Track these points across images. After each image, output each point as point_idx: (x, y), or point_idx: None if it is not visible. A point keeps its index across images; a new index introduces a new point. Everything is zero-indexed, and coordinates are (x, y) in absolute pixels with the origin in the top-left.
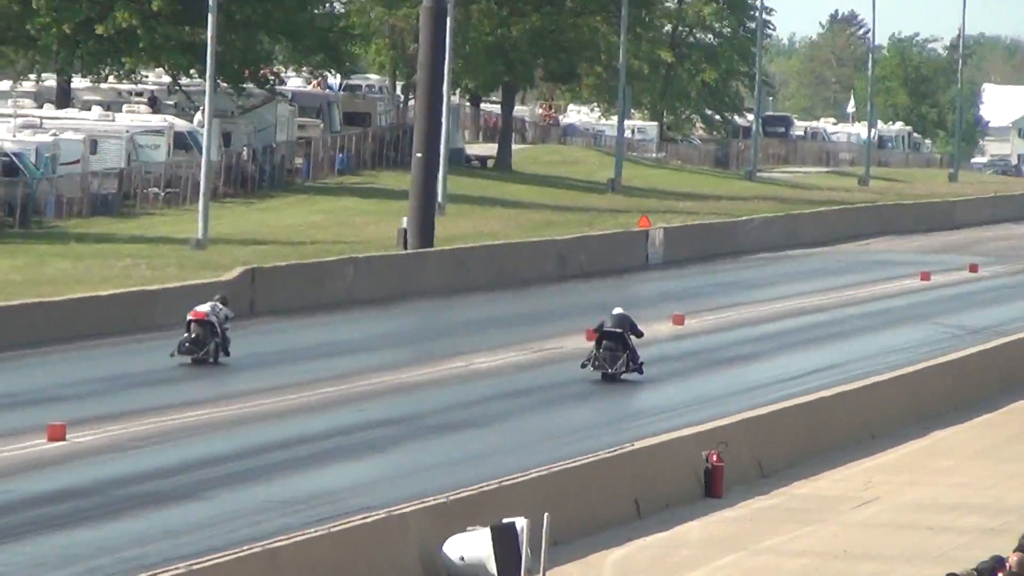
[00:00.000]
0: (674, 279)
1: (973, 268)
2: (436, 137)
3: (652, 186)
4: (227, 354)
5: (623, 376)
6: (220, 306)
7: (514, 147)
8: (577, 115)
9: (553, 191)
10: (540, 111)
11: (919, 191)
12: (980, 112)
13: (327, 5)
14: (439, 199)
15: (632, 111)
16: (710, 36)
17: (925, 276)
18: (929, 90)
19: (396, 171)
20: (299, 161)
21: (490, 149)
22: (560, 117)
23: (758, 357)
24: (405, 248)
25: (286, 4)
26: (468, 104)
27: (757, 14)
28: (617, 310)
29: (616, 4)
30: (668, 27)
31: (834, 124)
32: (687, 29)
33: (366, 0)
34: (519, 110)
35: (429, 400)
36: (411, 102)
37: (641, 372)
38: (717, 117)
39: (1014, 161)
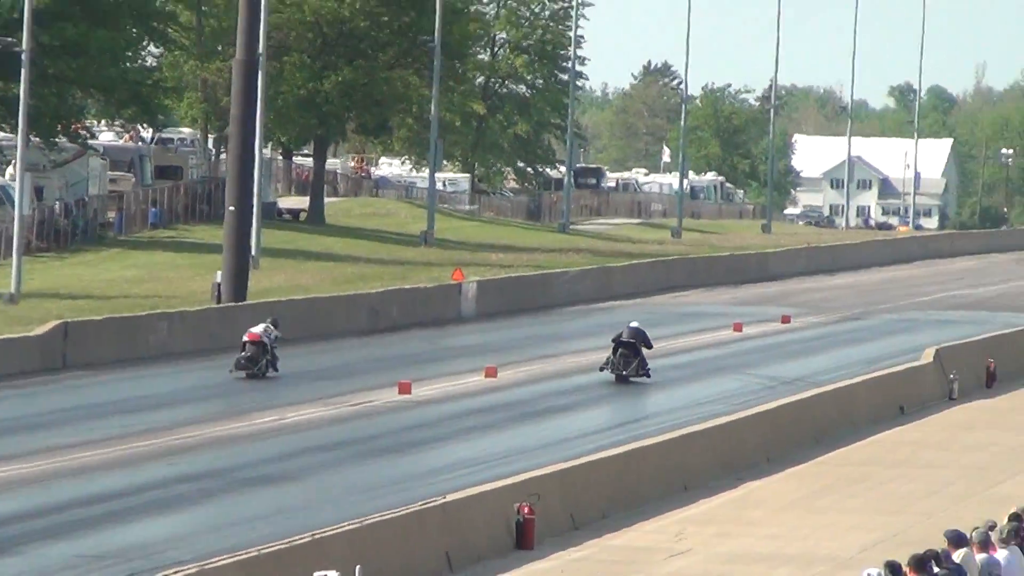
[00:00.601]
0: (487, 332)
1: (785, 319)
2: (248, 191)
3: (465, 239)
4: (276, 370)
5: (632, 379)
6: (271, 328)
7: (327, 200)
8: (389, 167)
9: (366, 244)
10: (352, 164)
11: (732, 242)
12: (792, 163)
13: (140, 59)
14: (252, 253)
15: (444, 163)
16: (522, 88)
17: (738, 327)
18: (741, 141)
19: (209, 225)
20: (112, 215)
21: (303, 202)
22: (372, 170)
23: (571, 409)
24: (219, 302)
25: (99, 59)
26: (280, 157)
27: (569, 65)
28: (633, 324)
29: (428, 57)
30: (480, 79)
31: (646, 175)
32: (499, 81)
33: (178, 53)
34: (332, 163)
35: (243, 454)
36: (223, 155)
37: (649, 376)
38: (529, 169)
39: (826, 212)
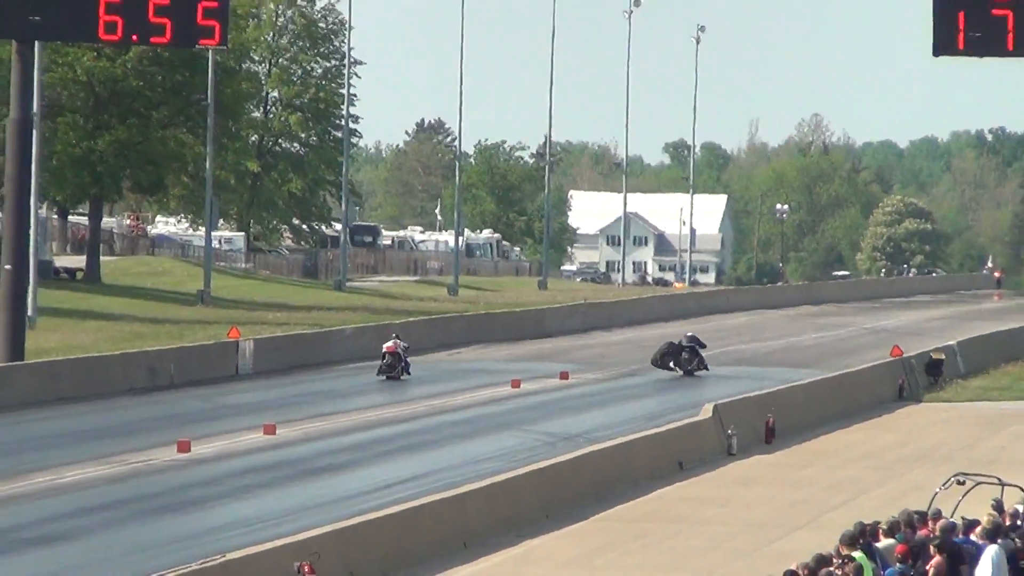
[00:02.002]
0: (265, 389)
1: (564, 375)
2: (24, 250)
3: (242, 297)
4: (409, 374)
5: (696, 373)
6: (400, 341)
7: (103, 259)
8: (166, 226)
9: (143, 303)
10: (128, 222)
11: (509, 299)
12: (569, 219)
13: None
14: (29, 312)
15: (220, 222)
16: (296, 146)
17: (516, 384)
18: (517, 198)
19: None
20: None
21: (79, 261)
22: (149, 228)
23: (350, 466)
24: None
25: None
26: (56, 216)
27: (343, 123)
28: (689, 332)
29: (202, 116)
30: (254, 137)
31: (422, 233)
32: (273, 139)
33: None
34: (107, 221)
35: (21, 514)
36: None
37: (707, 369)
38: (305, 227)
39: (603, 268)
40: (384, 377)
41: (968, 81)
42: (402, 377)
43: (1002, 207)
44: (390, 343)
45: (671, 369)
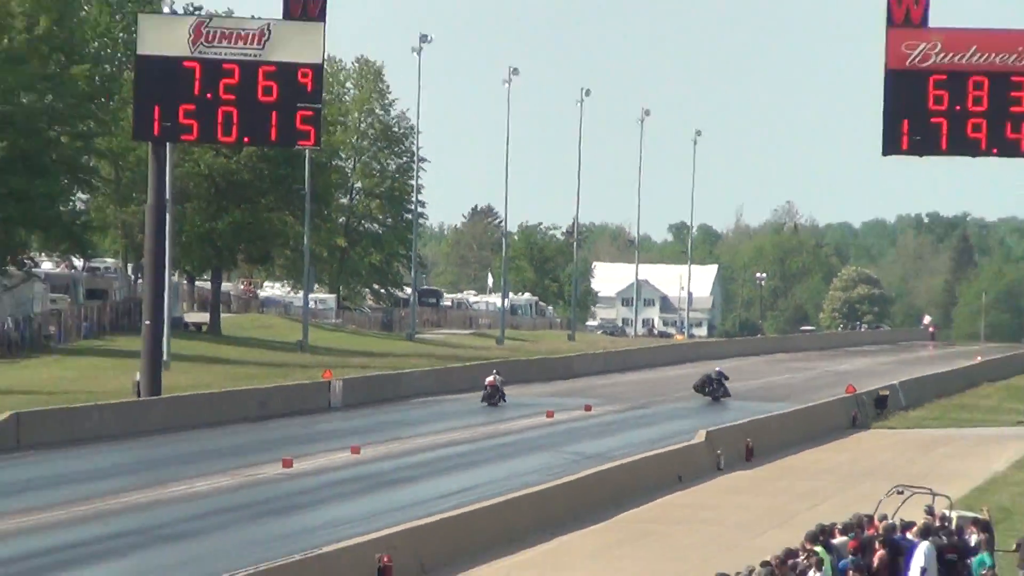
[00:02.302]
0: (351, 418)
1: (588, 408)
2: (160, 308)
3: (332, 345)
4: (504, 401)
5: (721, 399)
6: (498, 376)
7: (223, 315)
8: (271, 289)
9: (254, 350)
10: (242, 286)
11: (544, 348)
12: (592, 285)
13: (71, 203)
14: (164, 357)
15: (315, 286)
16: (375, 226)
17: (550, 414)
18: (551, 267)
19: (129, 336)
20: (52, 328)
21: (204, 317)
22: (258, 291)
23: (420, 478)
24: (139, 396)
25: (39, 204)
26: (185, 281)
27: (413, 208)
28: (718, 368)
29: (301, 202)
30: (342, 219)
31: (475, 295)
32: (357, 220)
33: (102, 199)
34: (226, 286)
35: (160, 516)
36: (140, 280)
37: (729, 396)
38: (383, 290)
39: (619, 324)
40: (486, 404)
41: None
42: (499, 404)
43: (935, 276)
44: (491, 378)
45: (706, 395)
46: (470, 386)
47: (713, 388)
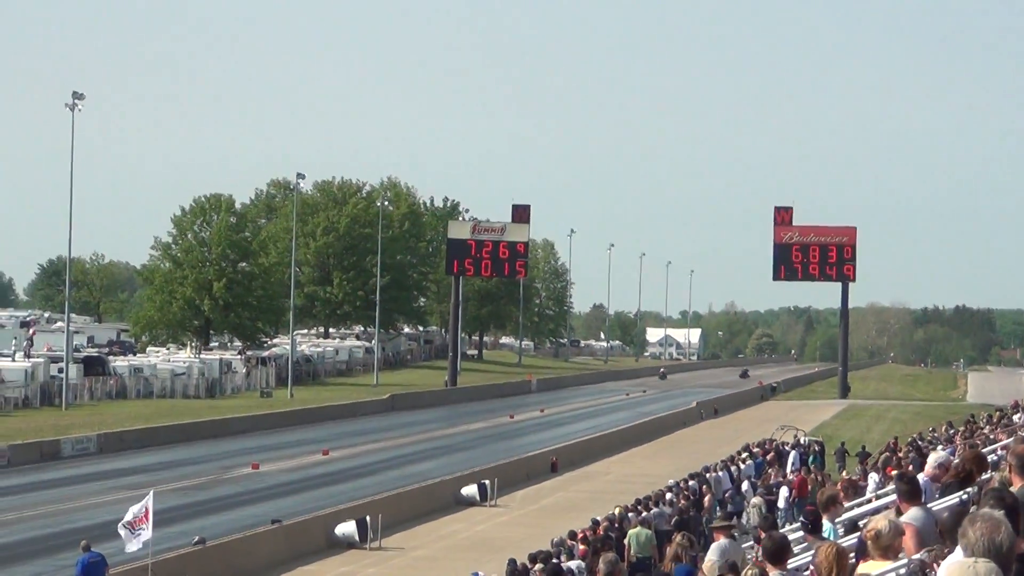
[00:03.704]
0: (542, 396)
1: (644, 391)
2: (456, 346)
3: (533, 364)
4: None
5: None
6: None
7: (485, 351)
8: (505, 339)
9: (505, 368)
10: (491, 339)
11: (625, 366)
12: (646, 337)
13: (417, 302)
14: (458, 368)
15: (525, 339)
16: (551, 311)
17: (628, 394)
18: (628, 329)
19: (442, 359)
20: (409, 356)
21: (475, 351)
22: (499, 340)
23: (576, 421)
24: (447, 386)
25: (403, 303)
26: (466, 336)
27: (568, 304)
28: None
29: (518, 302)
30: (536, 308)
31: (595, 342)
32: (543, 309)
33: (431, 300)
34: (485, 338)
35: (454, 440)
36: (447, 335)
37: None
38: (553, 340)
39: (656, 354)
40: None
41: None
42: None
43: (797, 333)
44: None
45: (745, 377)
46: (593, 381)
47: (745, 374)
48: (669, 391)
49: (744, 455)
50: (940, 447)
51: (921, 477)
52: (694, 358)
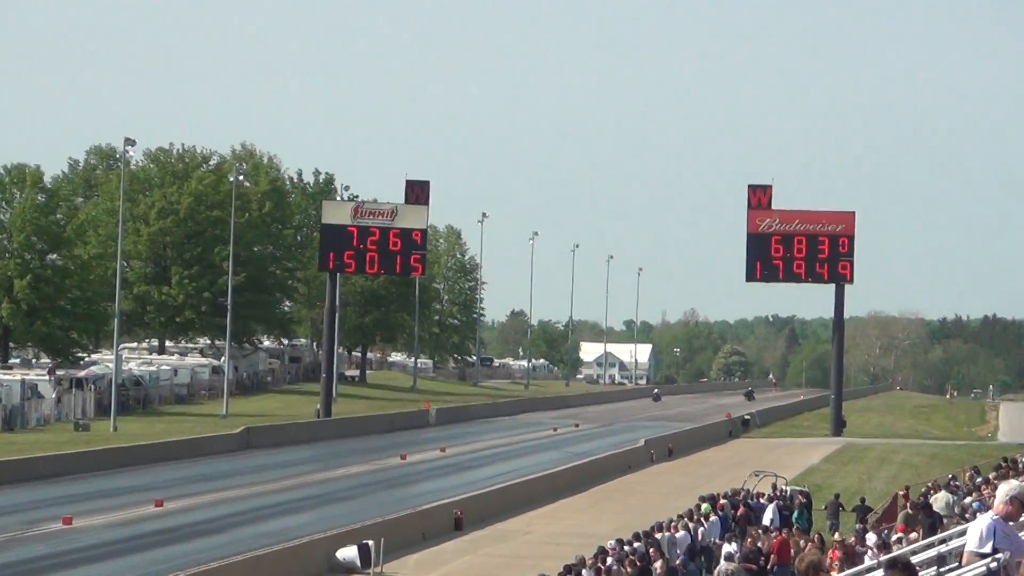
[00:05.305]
0: (441, 431)
1: (577, 425)
2: (332, 366)
3: (430, 389)
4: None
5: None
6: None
7: (368, 372)
8: (396, 356)
9: (386, 392)
10: (379, 355)
11: (553, 391)
12: (580, 355)
13: (281, 308)
14: (334, 395)
15: (421, 355)
16: (456, 320)
17: (555, 429)
18: (557, 344)
19: (313, 383)
20: (269, 379)
21: (356, 372)
22: (388, 358)
23: (483, 465)
24: (319, 417)
25: (263, 308)
26: (346, 351)
27: (477, 311)
28: (749, 388)
29: (412, 307)
30: (437, 317)
31: (513, 360)
32: (445, 318)
33: (300, 305)
34: (369, 355)
35: (330, 487)
36: (320, 351)
37: (755, 399)
38: (459, 357)
39: (595, 377)
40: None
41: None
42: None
43: (776, 351)
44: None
45: (751, 399)
46: (510, 412)
47: (750, 394)
48: (610, 424)
49: (703, 506)
50: (972, 496)
51: (986, 518)
52: (642, 382)
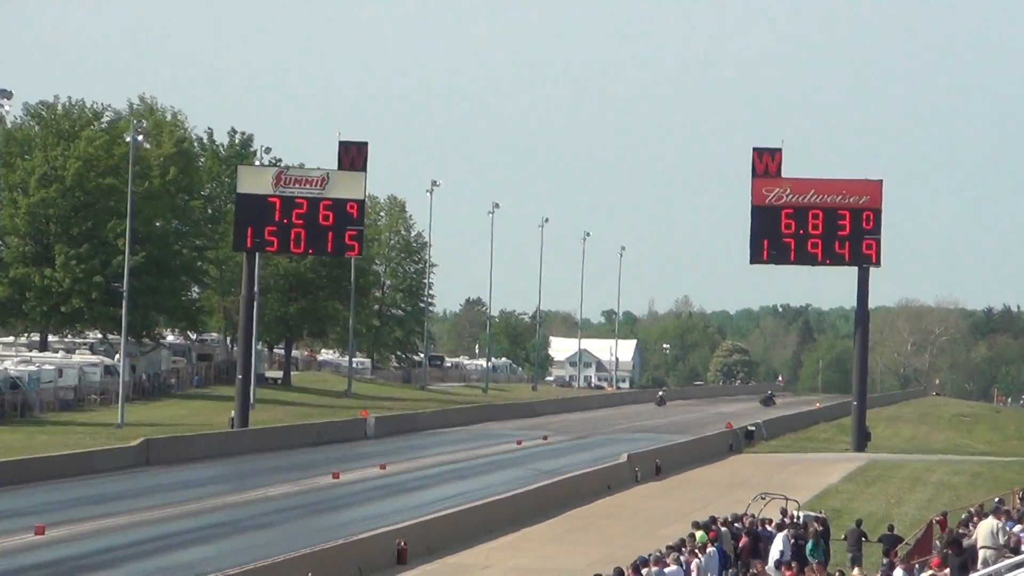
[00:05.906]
0: (381, 444)
1: (545, 438)
2: (249, 367)
3: (368, 393)
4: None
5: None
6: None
7: (292, 373)
8: (327, 354)
9: (313, 396)
10: (306, 352)
11: (515, 396)
12: (549, 352)
13: (188, 295)
14: (251, 401)
15: (357, 352)
16: (399, 311)
17: (519, 442)
18: (521, 340)
19: (227, 386)
20: (173, 380)
21: (279, 374)
22: (317, 356)
23: (429, 486)
24: (232, 428)
25: (166, 295)
26: (266, 348)
27: (425, 299)
28: (769, 391)
29: (347, 294)
30: (376, 306)
31: (468, 359)
32: (387, 307)
33: (210, 291)
34: (294, 352)
35: (241, 512)
36: (235, 347)
37: (776, 404)
38: (404, 355)
39: (568, 379)
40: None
41: (769, 276)
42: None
43: (786, 348)
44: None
45: (770, 405)
46: (465, 421)
47: (767, 399)
48: (585, 436)
49: (698, 535)
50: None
51: None
52: (624, 385)
